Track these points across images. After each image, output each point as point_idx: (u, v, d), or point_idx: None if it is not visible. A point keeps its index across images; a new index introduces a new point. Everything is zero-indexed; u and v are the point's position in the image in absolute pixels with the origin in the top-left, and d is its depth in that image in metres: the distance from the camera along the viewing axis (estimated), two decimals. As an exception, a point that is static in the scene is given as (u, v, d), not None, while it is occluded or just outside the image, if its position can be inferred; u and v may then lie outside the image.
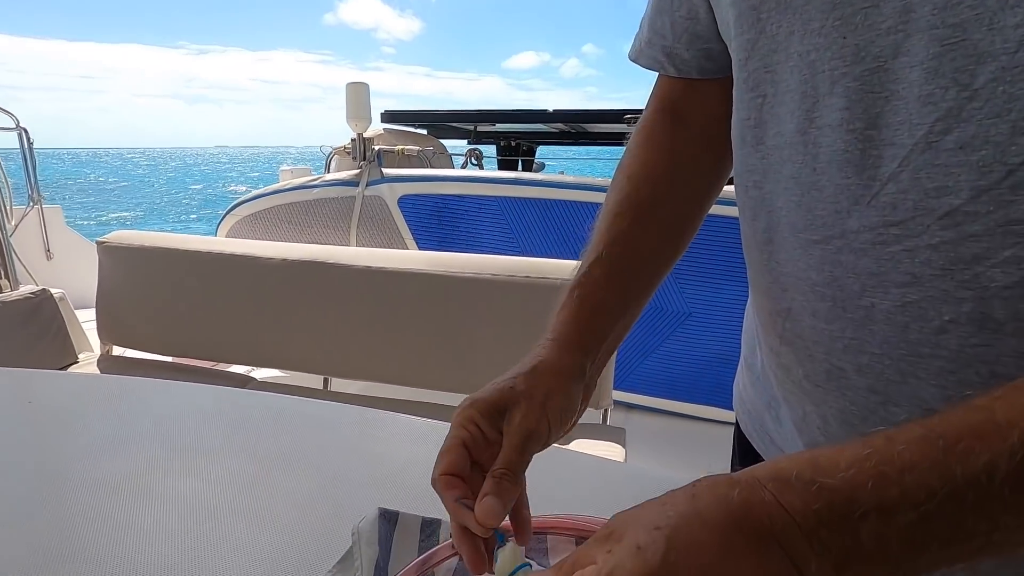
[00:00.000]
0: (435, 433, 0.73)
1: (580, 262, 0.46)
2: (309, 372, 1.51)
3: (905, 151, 0.31)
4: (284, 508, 0.57)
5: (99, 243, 1.60)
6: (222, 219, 2.17)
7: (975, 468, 0.23)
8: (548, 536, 0.51)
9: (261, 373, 1.89)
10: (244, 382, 1.59)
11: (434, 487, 0.37)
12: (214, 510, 0.57)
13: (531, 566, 0.32)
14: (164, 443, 0.69)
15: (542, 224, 2.01)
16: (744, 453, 0.57)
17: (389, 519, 0.50)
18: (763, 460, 0.53)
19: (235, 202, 2.17)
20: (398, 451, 0.69)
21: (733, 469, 0.62)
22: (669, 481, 0.64)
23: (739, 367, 0.59)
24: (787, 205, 0.37)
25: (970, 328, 0.30)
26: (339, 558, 0.49)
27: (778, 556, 0.24)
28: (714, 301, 1.87)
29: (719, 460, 0.67)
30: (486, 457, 0.37)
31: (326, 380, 1.59)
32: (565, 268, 1.32)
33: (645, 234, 0.47)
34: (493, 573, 0.36)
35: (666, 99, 0.53)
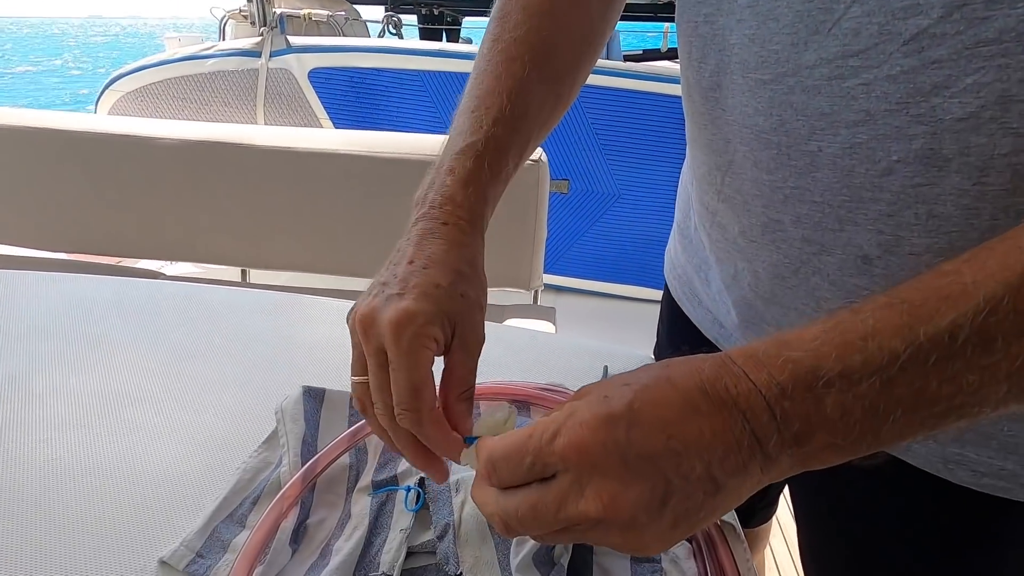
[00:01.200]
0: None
1: (470, 106, 0.40)
2: (222, 264, 1.41)
3: None
4: (201, 394, 0.54)
5: (-56, 121, 1.36)
6: (100, 95, 1.87)
7: (939, 328, 0.23)
8: (480, 403, 0.51)
9: (172, 269, 1.76)
10: (153, 278, 1.48)
11: (417, 423, 0.31)
12: (123, 399, 0.53)
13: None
14: (58, 337, 0.63)
15: (468, 100, 1.89)
16: (672, 317, 0.58)
17: (315, 396, 0.49)
18: (692, 322, 0.55)
19: (114, 75, 1.87)
20: (321, 333, 0.66)
21: (659, 332, 0.65)
22: (598, 349, 0.66)
23: (671, 234, 0.59)
24: (740, 41, 0.35)
25: (916, 167, 0.30)
26: (264, 438, 0.47)
27: (739, 425, 0.24)
28: (643, 182, 1.88)
29: (646, 336, 0.70)
30: None
31: (244, 272, 1.50)
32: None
33: (543, 85, 0.42)
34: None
35: None
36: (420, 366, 0.31)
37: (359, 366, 0.33)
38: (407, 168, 1.28)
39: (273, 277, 1.55)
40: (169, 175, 1.35)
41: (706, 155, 0.41)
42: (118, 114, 1.89)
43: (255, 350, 0.61)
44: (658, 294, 0.63)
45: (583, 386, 0.28)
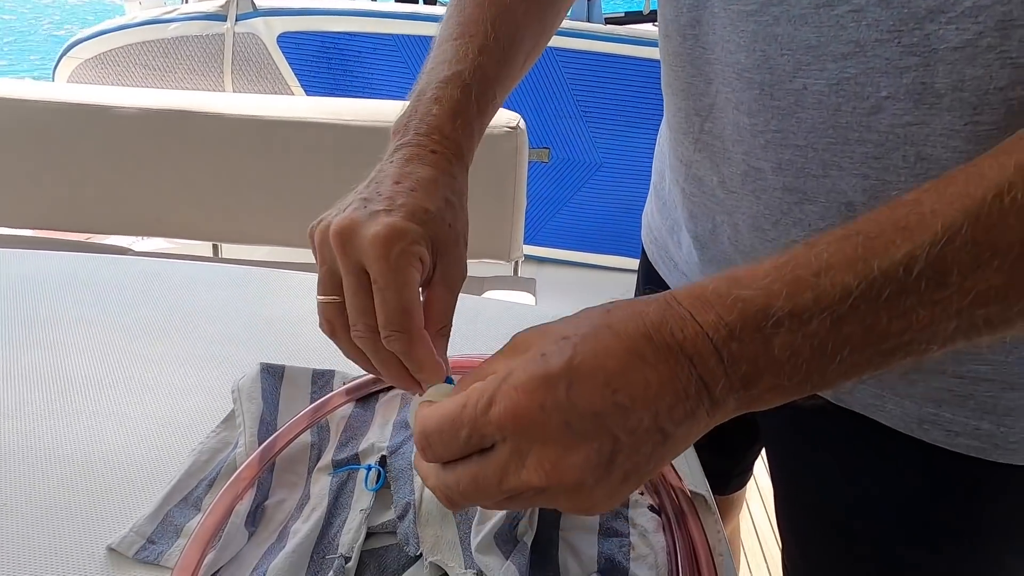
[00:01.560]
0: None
1: (452, 33, 0.38)
2: (194, 239, 1.37)
3: None
4: (162, 375, 0.52)
5: None
6: (58, 63, 1.78)
7: (894, 261, 0.22)
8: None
9: (143, 245, 1.71)
10: (122, 254, 1.43)
11: (408, 345, 0.29)
12: (77, 382, 0.51)
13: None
14: (11, 317, 0.60)
15: (444, 65, 1.82)
16: (648, 280, 0.57)
17: (273, 373, 0.47)
18: (668, 286, 0.54)
19: (71, 41, 1.78)
20: (290, 308, 0.64)
21: (637, 296, 0.64)
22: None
23: (648, 197, 0.57)
24: None
25: (907, 104, 0.28)
26: (223, 418, 0.45)
27: (686, 371, 0.23)
28: (626, 149, 1.85)
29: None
30: None
31: (216, 247, 1.46)
32: (471, 114, 1.21)
33: (528, 14, 0.40)
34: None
35: None
36: (410, 285, 0.29)
37: (329, 285, 0.31)
38: (384, 137, 1.24)
39: (248, 252, 1.51)
40: (134, 146, 1.29)
41: (683, 100, 0.39)
42: (77, 82, 1.80)
43: (219, 326, 0.59)
44: (636, 263, 0.62)
45: (518, 333, 0.26)
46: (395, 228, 0.29)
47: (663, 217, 0.51)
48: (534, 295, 1.23)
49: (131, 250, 1.49)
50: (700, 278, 0.46)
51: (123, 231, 1.38)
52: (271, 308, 0.63)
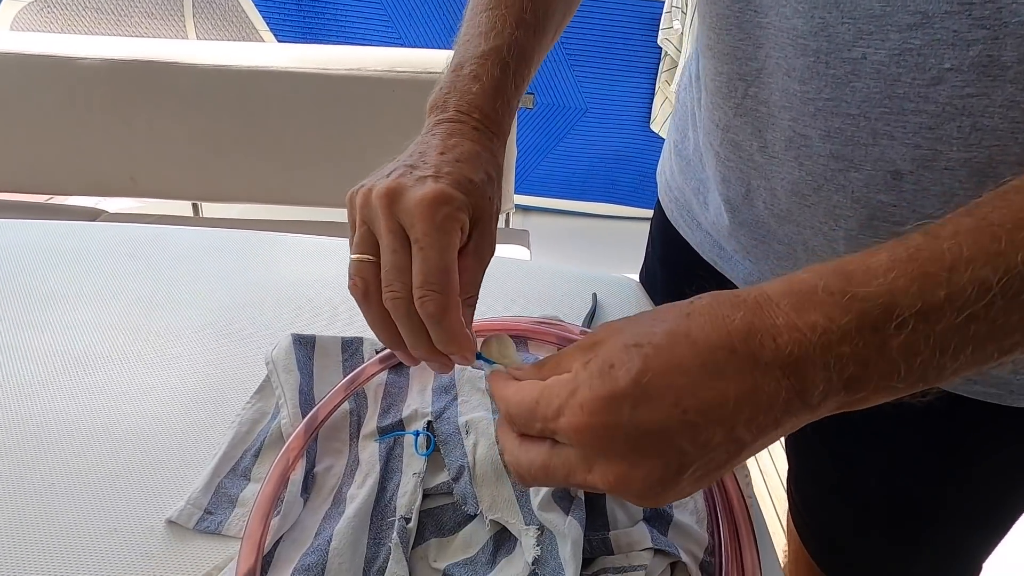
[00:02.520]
0: (334, 250, 0.67)
1: (486, 2, 0.37)
2: (169, 198, 1.32)
3: None
4: (175, 347, 0.51)
5: None
6: (-2, 7, 1.64)
7: None
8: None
9: (113, 205, 1.63)
10: (93, 216, 1.37)
11: (443, 307, 0.29)
12: (85, 358, 0.49)
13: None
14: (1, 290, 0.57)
15: (425, 7, 1.74)
16: (666, 239, 0.57)
17: (305, 343, 0.47)
18: (689, 245, 0.54)
19: (11, -18, 1.63)
20: (295, 272, 0.63)
21: (649, 255, 0.64)
22: (572, 274, 0.65)
23: (664, 155, 0.57)
24: None
25: (970, 75, 0.28)
26: (256, 389, 0.45)
27: (774, 383, 0.21)
28: (612, 94, 1.81)
29: (622, 253, 0.69)
30: None
31: (195, 206, 1.41)
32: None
33: None
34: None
35: None
36: (452, 248, 0.30)
37: (365, 245, 0.31)
38: (361, 85, 1.19)
39: (226, 210, 1.46)
40: (96, 100, 1.21)
41: (727, 64, 0.39)
42: (21, 29, 1.66)
43: (225, 295, 0.58)
44: (629, 210, 0.62)
45: (599, 328, 0.26)
46: (443, 192, 0.30)
47: (686, 177, 0.51)
48: (528, 248, 1.23)
49: (104, 211, 1.43)
50: (728, 239, 0.47)
51: (96, 192, 1.32)
52: (272, 273, 0.62)
